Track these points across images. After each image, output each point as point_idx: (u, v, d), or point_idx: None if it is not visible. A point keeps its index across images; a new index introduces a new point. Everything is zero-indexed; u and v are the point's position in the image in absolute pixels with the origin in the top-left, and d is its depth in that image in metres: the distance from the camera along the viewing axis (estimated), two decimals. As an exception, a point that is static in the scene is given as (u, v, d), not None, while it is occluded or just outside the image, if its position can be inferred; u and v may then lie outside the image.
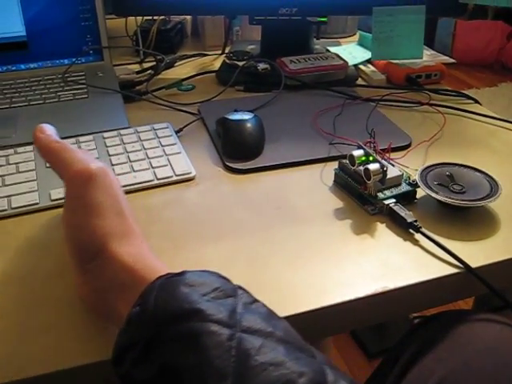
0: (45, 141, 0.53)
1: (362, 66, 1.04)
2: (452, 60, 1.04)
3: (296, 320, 0.50)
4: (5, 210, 0.63)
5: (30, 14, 0.96)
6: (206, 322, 0.37)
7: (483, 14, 3.18)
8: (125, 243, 0.46)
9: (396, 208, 0.61)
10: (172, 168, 0.69)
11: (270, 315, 0.41)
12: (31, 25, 0.97)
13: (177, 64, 1.09)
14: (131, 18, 1.17)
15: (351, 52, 1.09)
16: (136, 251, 0.46)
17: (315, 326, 0.53)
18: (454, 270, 0.54)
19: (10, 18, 0.96)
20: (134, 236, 0.47)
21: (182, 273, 0.42)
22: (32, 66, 1.00)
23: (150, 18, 1.17)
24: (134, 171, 0.69)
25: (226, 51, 1.13)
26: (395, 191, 0.63)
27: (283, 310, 0.49)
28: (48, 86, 0.94)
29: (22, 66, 0.99)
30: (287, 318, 0.49)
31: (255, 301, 0.42)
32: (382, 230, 0.60)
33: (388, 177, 0.62)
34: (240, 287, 0.42)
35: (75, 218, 0.47)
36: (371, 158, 0.63)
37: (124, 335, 0.39)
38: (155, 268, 0.44)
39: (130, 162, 0.71)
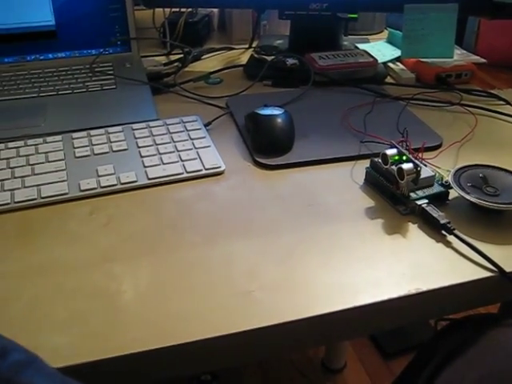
0: None
1: (390, 64, 1.03)
2: (483, 60, 1.03)
3: (328, 320, 0.50)
4: (34, 199, 0.64)
5: (60, 4, 0.96)
6: None
7: (508, 14, 3.13)
8: None
9: (429, 209, 0.60)
10: (201, 162, 0.69)
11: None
12: (60, 14, 0.97)
13: (204, 57, 1.08)
14: (159, 10, 1.17)
15: (380, 49, 1.08)
16: None
17: (346, 327, 0.52)
18: (487, 274, 0.54)
19: (40, 7, 0.96)
20: None
21: None
22: (60, 55, 1.00)
23: (178, 10, 1.17)
24: (164, 164, 0.69)
25: (253, 45, 1.13)
26: (427, 192, 0.62)
27: (315, 308, 0.49)
28: (76, 75, 0.94)
29: (50, 56, 1.00)
30: (320, 316, 0.49)
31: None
32: (413, 230, 0.59)
33: (421, 177, 0.61)
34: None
35: None
36: (404, 158, 0.62)
37: None
38: None
39: (160, 154, 0.70)
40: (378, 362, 1.53)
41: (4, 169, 0.68)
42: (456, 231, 0.57)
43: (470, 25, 2.94)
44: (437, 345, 0.59)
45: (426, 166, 0.65)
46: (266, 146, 0.72)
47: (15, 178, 0.67)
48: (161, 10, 1.16)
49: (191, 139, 0.73)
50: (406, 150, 0.64)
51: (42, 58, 0.99)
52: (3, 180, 0.66)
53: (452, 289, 0.52)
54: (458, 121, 0.83)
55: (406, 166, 0.60)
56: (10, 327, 0.47)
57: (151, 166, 0.68)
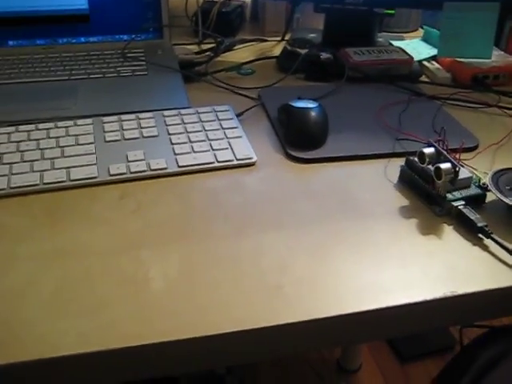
0: None
1: (426, 63, 1.00)
2: (522, 62, 1.00)
3: (358, 319, 0.48)
4: (63, 182, 0.63)
5: (94, -13, 0.96)
6: None
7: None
8: None
9: (465, 211, 0.58)
10: (233, 152, 0.68)
11: None
12: (94, -2, 0.96)
13: (235, 48, 1.07)
14: (192, -1, 1.16)
15: (415, 47, 1.06)
16: None
17: (376, 327, 0.51)
18: (525, 280, 0.52)
19: (74, -10, 0.95)
20: None
21: None
22: (92, 39, 0.99)
23: (211, -1, 1.16)
24: (194, 152, 0.68)
25: (286, 38, 1.12)
26: (464, 193, 0.61)
27: (345, 306, 0.48)
28: (107, 60, 0.94)
29: (82, 39, 0.99)
30: (351, 315, 0.48)
31: None
32: (449, 232, 0.58)
33: (458, 178, 0.59)
34: None
35: None
36: (442, 157, 0.61)
37: None
38: None
39: (191, 142, 0.70)
40: (394, 366, 1.52)
41: (34, 150, 0.67)
42: (493, 235, 0.55)
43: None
44: (477, 352, 0.58)
45: (463, 166, 0.63)
46: (299, 139, 0.70)
47: (45, 159, 0.66)
48: (194, -2, 1.15)
49: (223, 129, 0.72)
50: (444, 149, 0.63)
51: (74, 41, 0.99)
52: (33, 161, 0.66)
53: (488, 294, 0.51)
54: (495, 123, 0.81)
55: (444, 165, 0.59)
56: (37, 309, 0.47)
57: (182, 154, 0.67)
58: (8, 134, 0.70)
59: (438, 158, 0.61)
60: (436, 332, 1.54)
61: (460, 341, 0.97)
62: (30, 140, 0.69)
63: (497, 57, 0.99)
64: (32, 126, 0.72)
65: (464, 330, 0.96)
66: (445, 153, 0.61)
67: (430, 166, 0.61)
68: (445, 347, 1.52)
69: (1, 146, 0.68)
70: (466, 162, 0.67)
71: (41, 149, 0.68)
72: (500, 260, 0.54)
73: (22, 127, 0.72)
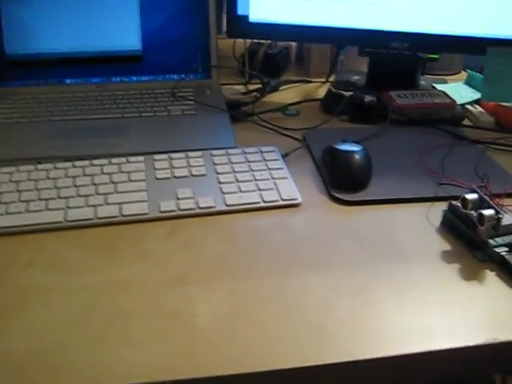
0: None
1: (469, 106, 1.02)
2: None
3: (399, 362, 0.49)
4: (116, 217, 0.66)
5: (148, 31, 1.01)
6: None
7: None
8: None
9: (508, 257, 0.59)
10: (278, 192, 0.70)
11: None
12: (148, 41, 1.01)
13: (281, 88, 1.10)
14: (239, 40, 1.20)
15: (458, 91, 1.07)
16: None
17: (417, 371, 0.52)
18: None
19: (130, 34, 1.00)
20: None
21: None
22: (144, 78, 1.04)
23: (257, 41, 1.20)
24: (241, 192, 0.70)
25: (330, 79, 1.14)
26: (508, 239, 0.61)
27: (387, 349, 0.49)
28: (158, 99, 0.98)
29: (135, 79, 1.04)
30: (391, 358, 0.48)
31: None
32: (491, 278, 0.58)
33: (502, 224, 0.60)
34: None
35: None
36: (485, 203, 0.62)
37: None
38: None
39: (237, 182, 0.72)
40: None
41: (89, 185, 0.71)
42: (536, 283, 0.56)
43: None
44: None
45: (506, 213, 0.64)
46: (344, 181, 0.72)
47: (98, 194, 0.69)
48: (241, 40, 1.19)
49: (269, 169, 0.75)
50: (487, 195, 0.63)
51: (126, 80, 1.03)
52: (88, 196, 0.69)
53: (530, 342, 0.51)
54: (539, 169, 0.81)
55: (487, 211, 0.59)
56: (89, 340, 0.49)
57: (229, 193, 0.70)
58: (65, 169, 0.74)
59: (481, 203, 0.62)
60: (478, 378, 1.50)
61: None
62: (85, 175, 0.73)
63: (541, 102, 1.00)
64: (87, 162, 0.75)
65: (507, 377, 0.95)
66: (488, 199, 0.62)
67: (472, 212, 0.62)
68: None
69: (58, 180, 0.72)
70: (509, 207, 0.68)
71: (95, 184, 0.71)
72: (543, 308, 0.54)
73: (77, 163, 0.75)
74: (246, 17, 0.97)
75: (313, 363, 0.47)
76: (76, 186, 0.71)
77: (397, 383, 0.53)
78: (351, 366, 0.48)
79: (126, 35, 1.01)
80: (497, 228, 0.60)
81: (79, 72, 1.02)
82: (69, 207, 0.67)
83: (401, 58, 0.99)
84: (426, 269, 0.59)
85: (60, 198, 0.69)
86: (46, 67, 1.00)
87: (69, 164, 0.75)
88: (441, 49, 0.98)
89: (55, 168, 0.74)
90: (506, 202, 0.68)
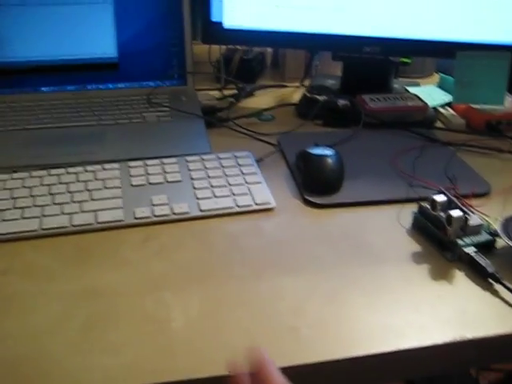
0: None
1: (440, 109, 1.04)
2: (534, 108, 1.03)
3: (370, 361, 0.50)
4: (91, 224, 0.66)
5: (124, 38, 1.01)
6: None
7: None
8: None
9: (476, 257, 0.60)
10: (252, 197, 0.71)
11: None
12: (123, 48, 1.02)
13: (256, 93, 1.11)
14: (214, 46, 1.21)
15: (430, 93, 1.09)
16: None
17: (387, 370, 0.53)
18: (535, 325, 0.53)
19: (105, 41, 1.01)
20: None
21: None
22: (120, 86, 1.04)
23: (233, 46, 1.21)
24: (215, 197, 0.71)
25: (305, 84, 1.16)
26: (475, 239, 0.62)
27: (358, 349, 0.50)
28: (134, 106, 0.99)
29: (111, 86, 1.04)
30: (363, 358, 0.50)
31: None
32: (460, 277, 0.60)
33: (469, 225, 0.61)
34: None
35: None
36: (453, 205, 0.63)
37: None
38: None
39: (212, 187, 0.73)
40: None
41: (64, 193, 0.71)
42: (503, 280, 0.57)
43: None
44: None
45: (474, 213, 0.65)
46: (316, 185, 0.73)
47: (74, 202, 0.70)
48: (217, 45, 1.20)
49: (243, 174, 0.76)
50: (455, 196, 0.65)
51: (102, 87, 1.04)
52: (63, 204, 0.69)
53: (499, 338, 0.52)
54: (508, 168, 0.83)
55: (455, 213, 0.61)
56: (64, 347, 0.50)
57: (203, 199, 0.70)
58: (40, 177, 0.74)
59: (450, 205, 0.64)
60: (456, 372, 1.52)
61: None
62: (61, 183, 0.73)
63: (510, 103, 1.02)
64: (62, 170, 0.76)
65: (481, 371, 0.97)
66: (455, 200, 0.63)
67: (441, 213, 0.63)
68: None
69: (33, 189, 0.72)
70: (477, 208, 0.69)
71: (70, 192, 0.71)
72: (510, 305, 0.56)
73: (53, 171, 0.75)
74: (221, 23, 0.98)
75: (286, 364, 0.48)
76: (51, 194, 0.71)
77: (369, 382, 0.54)
78: (323, 366, 0.49)
79: (102, 43, 1.01)
80: (465, 228, 0.62)
81: (55, 80, 1.02)
82: (44, 215, 0.67)
83: (374, 62, 1.01)
84: (396, 270, 0.61)
85: (35, 206, 0.69)
86: (21, 75, 1.00)
87: (44, 172, 0.75)
88: (412, 53, 1.00)
89: (31, 176, 0.74)
90: (475, 202, 0.70)
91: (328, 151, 0.75)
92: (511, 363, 0.59)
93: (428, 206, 0.65)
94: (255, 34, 0.98)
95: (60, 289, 0.57)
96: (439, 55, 1.10)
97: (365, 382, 0.54)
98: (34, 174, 0.75)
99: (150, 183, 0.74)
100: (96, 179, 0.74)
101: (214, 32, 1.00)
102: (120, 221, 0.67)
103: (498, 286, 0.58)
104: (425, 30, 0.94)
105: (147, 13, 1.01)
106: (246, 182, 0.74)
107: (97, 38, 1.00)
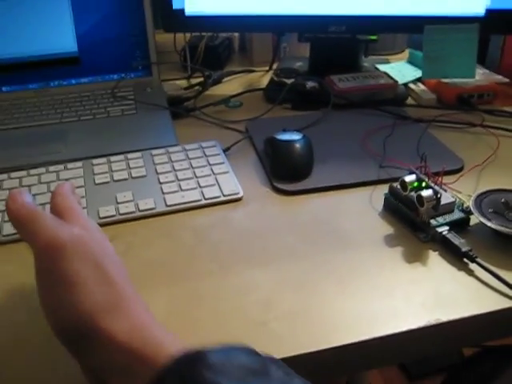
0: (14, 212, 0.44)
1: (411, 85, 1.02)
2: (506, 79, 1.01)
3: (344, 351, 0.49)
4: (54, 227, 0.64)
5: (83, 31, 0.98)
6: None
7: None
8: (116, 317, 0.39)
9: (449, 236, 0.59)
10: (220, 188, 0.69)
11: None
12: (83, 41, 0.99)
13: (224, 80, 1.09)
14: (179, 34, 1.18)
15: (400, 70, 1.08)
16: (131, 325, 0.38)
17: (364, 358, 0.51)
18: (511, 303, 0.52)
19: (63, 35, 0.98)
20: (126, 305, 0.40)
21: (203, 353, 0.35)
22: (83, 80, 1.02)
23: (198, 33, 1.18)
24: (182, 190, 0.69)
25: (274, 67, 1.13)
26: (448, 218, 0.61)
27: (331, 340, 0.48)
28: (98, 101, 0.96)
29: (73, 81, 1.01)
30: (336, 348, 0.48)
31: (289, 374, 0.36)
32: (434, 258, 0.58)
33: (441, 203, 0.60)
34: (271, 359, 0.37)
35: (50, 297, 0.40)
36: (424, 184, 0.62)
37: None
38: (160, 343, 0.38)
39: (178, 180, 0.71)
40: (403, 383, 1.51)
41: (25, 196, 0.69)
42: (478, 259, 0.56)
43: (496, 39, 2.89)
44: (465, 371, 0.58)
45: (446, 191, 0.64)
46: (285, 172, 0.71)
47: (36, 205, 0.67)
48: (181, 34, 1.17)
49: (210, 165, 0.74)
50: (425, 175, 0.63)
51: (65, 83, 1.01)
52: (24, 207, 0.67)
53: (474, 319, 0.51)
54: (480, 143, 0.82)
55: (426, 192, 0.59)
56: (33, 351, 0.48)
57: (170, 193, 0.68)
58: (0, 181, 0.72)
59: (420, 184, 0.62)
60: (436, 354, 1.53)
61: (462, 359, 0.97)
62: (22, 186, 0.71)
63: (481, 76, 1.01)
64: (24, 172, 0.73)
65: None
66: (425, 179, 0.62)
67: (412, 193, 0.61)
68: (452, 364, 1.51)
69: (-7, 194, 0.69)
70: (450, 185, 0.68)
71: (33, 195, 0.69)
72: (485, 284, 0.54)
73: (13, 174, 0.73)
74: (182, 10, 0.95)
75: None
76: (12, 197, 0.69)
77: (345, 371, 0.53)
78: (294, 360, 0.48)
79: (61, 37, 0.98)
80: (437, 208, 0.60)
81: (15, 78, 0.99)
82: (5, 221, 0.65)
83: (341, 41, 0.99)
84: (369, 254, 0.59)
85: (-4, 211, 0.66)
86: (-21, 76, 0.97)
87: (4, 176, 0.73)
88: (378, 30, 0.98)
89: (-11, 181, 0.72)
90: (447, 179, 0.69)
91: (296, 136, 0.74)
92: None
93: (399, 187, 0.63)
94: (218, 20, 0.95)
95: (23, 296, 0.55)
96: (406, 30, 1.09)
97: (339, 372, 0.52)
98: (-6, 177, 0.73)
99: (115, 180, 0.71)
100: (59, 179, 0.72)
101: (176, 20, 0.97)
102: (84, 221, 0.65)
103: (472, 265, 0.57)
104: (390, 5, 0.92)
105: (105, 3, 0.98)
106: (213, 173, 0.72)
107: (55, 32, 0.97)
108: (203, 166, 0.73)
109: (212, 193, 0.68)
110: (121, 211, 0.66)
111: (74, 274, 0.40)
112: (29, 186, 0.71)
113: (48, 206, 0.65)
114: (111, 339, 0.37)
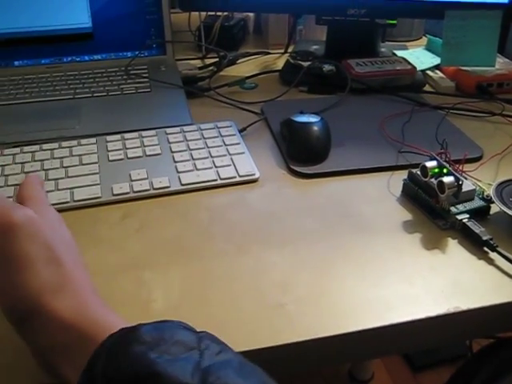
0: None
1: (429, 72, 1.00)
2: (526, 69, 1.00)
3: (361, 337, 0.48)
4: (67, 202, 0.63)
5: (97, 6, 0.97)
6: None
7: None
8: (61, 296, 0.40)
9: (470, 224, 0.58)
10: (235, 168, 0.68)
11: (243, 365, 0.36)
12: (97, 17, 0.97)
13: (239, 61, 1.07)
14: (194, 13, 1.16)
15: (419, 57, 1.06)
16: (76, 304, 0.40)
17: (380, 345, 0.51)
18: (531, 294, 0.51)
19: (78, 10, 0.96)
20: (72, 285, 0.41)
21: (136, 328, 0.36)
22: (96, 57, 1.00)
23: (213, 13, 1.16)
24: (197, 170, 0.68)
25: (289, 50, 1.12)
26: (468, 206, 0.60)
27: (348, 325, 0.48)
28: (111, 78, 0.94)
29: (87, 58, 1.00)
30: (352, 334, 0.47)
31: (223, 350, 0.37)
32: (453, 246, 0.57)
33: (462, 191, 0.59)
34: (207, 335, 0.38)
35: (0, 276, 0.41)
36: (445, 170, 0.60)
37: None
38: (102, 322, 0.39)
39: (193, 159, 0.70)
40: (406, 375, 1.51)
41: (38, 170, 0.68)
42: (499, 248, 0.55)
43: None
44: (482, 362, 0.57)
45: (466, 179, 0.63)
46: (302, 154, 0.70)
47: (49, 180, 0.66)
48: (197, 13, 1.15)
49: (225, 145, 0.73)
50: (446, 161, 0.62)
51: (78, 59, 1.00)
52: (37, 182, 0.66)
53: (494, 308, 0.50)
54: (500, 132, 0.81)
55: (447, 179, 0.58)
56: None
57: (184, 172, 0.67)
58: (13, 155, 0.71)
59: (441, 170, 0.61)
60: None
61: (470, 350, 0.96)
62: (35, 161, 0.70)
63: (501, 64, 0.99)
64: (36, 147, 0.72)
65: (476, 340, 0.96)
66: (447, 166, 0.60)
67: (432, 180, 0.60)
68: (457, 356, 1.50)
69: (6, 167, 0.68)
70: (469, 173, 0.67)
71: (45, 169, 0.68)
72: (506, 273, 0.54)
73: (26, 148, 0.72)
74: (199, -12, 0.94)
75: (271, 344, 0.46)
76: (25, 172, 0.68)
77: (360, 357, 0.52)
78: (310, 344, 0.47)
79: (75, 12, 0.96)
80: (457, 195, 0.59)
81: (28, 53, 0.98)
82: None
83: (359, 25, 0.97)
84: (387, 239, 0.58)
85: (8, 185, 0.66)
86: (-8, 49, 0.96)
87: (17, 150, 0.72)
88: (398, 14, 0.97)
89: (3, 155, 0.71)
90: (467, 167, 0.67)
91: (313, 118, 0.72)
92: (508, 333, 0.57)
93: (419, 173, 0.62)
94: (235, -1, 0.94)
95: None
96: (427, 16, 1.06)
97: (354, 358, 0.51)
98: (7, 151, 0.71)
99: (129, 157, 0.70)
100: (72, 155, 0.71)
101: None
102: (97, 198, 0.64)
103: (492, 254, 0.56)
104: (411, -11, 0.90)
105: (121, -21, 0.96)
106: (229, 153, 0.71)
107: (69, 6, 0.96)
108: (219, 146, 0.72)
109: (228, 173, 0.67)
110: (135, 189, 0.65)
111: (24, 254, 0.40)
112: (41, 160, 0.70)
113: (60, 182, 0.66)
114: (56, 318, 0.38)
